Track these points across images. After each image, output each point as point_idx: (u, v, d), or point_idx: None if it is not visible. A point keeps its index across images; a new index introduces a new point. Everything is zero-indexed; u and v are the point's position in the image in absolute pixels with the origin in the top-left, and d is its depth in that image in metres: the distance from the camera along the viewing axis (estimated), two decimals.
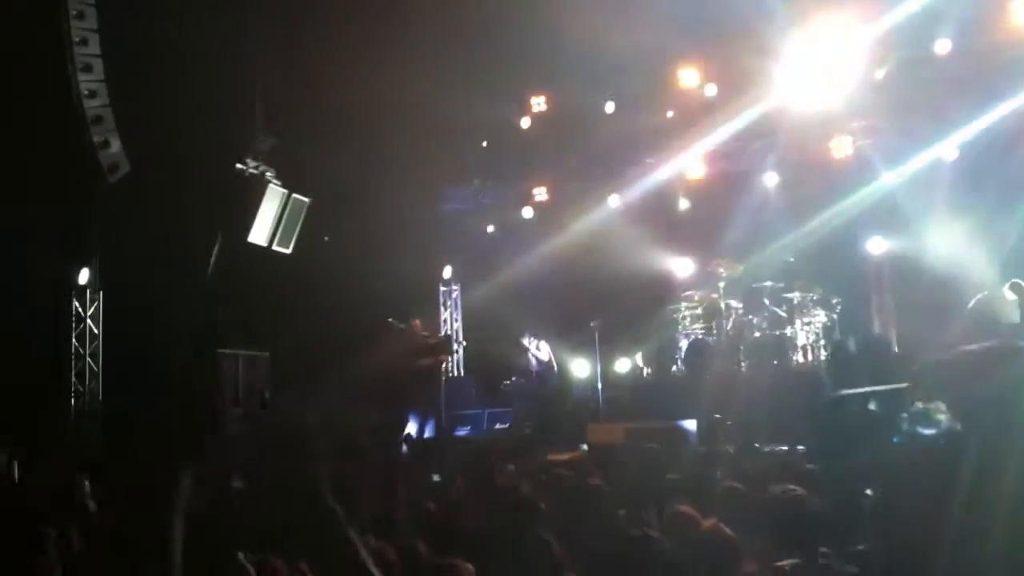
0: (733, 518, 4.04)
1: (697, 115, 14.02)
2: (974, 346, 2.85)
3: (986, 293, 10.96)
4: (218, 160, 12.90)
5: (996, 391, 2.71)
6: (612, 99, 14.37)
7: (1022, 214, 11.95)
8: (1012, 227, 11.86)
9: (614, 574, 4.01)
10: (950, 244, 11.91)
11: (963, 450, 2.67)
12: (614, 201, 14.93)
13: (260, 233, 13.13)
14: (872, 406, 7.97)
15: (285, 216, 13.34)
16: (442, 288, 15.77)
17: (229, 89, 12.55)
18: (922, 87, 12.74)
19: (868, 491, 4.09)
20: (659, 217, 14.86)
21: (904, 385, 7.64)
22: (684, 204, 14.99)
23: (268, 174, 13.26)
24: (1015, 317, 10.58)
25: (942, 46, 12.46)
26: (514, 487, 6.02)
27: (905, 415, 6.41)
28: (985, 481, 2.59)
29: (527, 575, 4.08)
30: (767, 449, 9.22)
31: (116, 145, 12.12)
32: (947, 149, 12.99)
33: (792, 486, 4.75)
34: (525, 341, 14.55)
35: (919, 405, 5.97)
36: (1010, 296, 10.68)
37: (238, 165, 13.04)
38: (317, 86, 12.92)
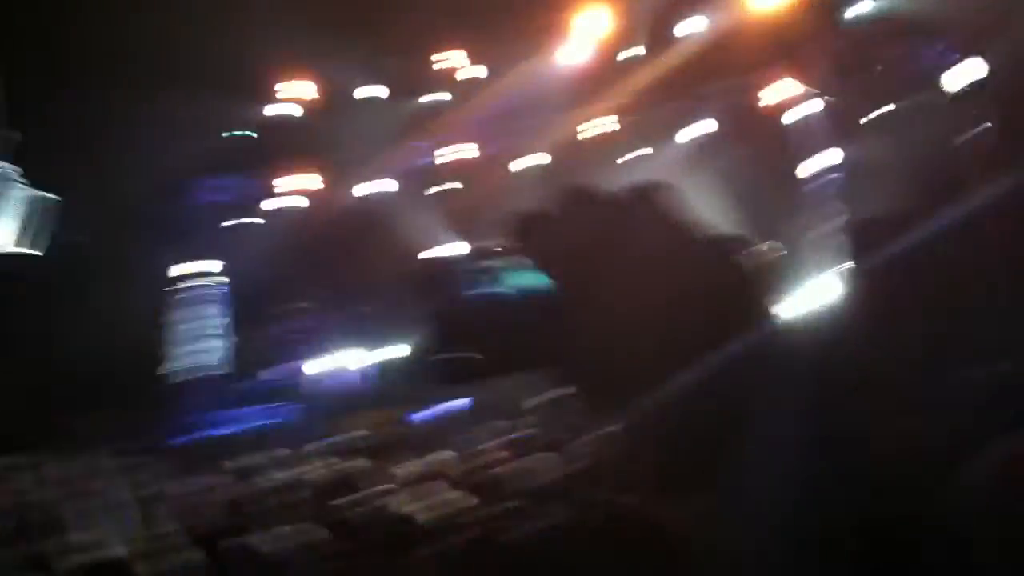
0: None
1: (468, 97, 14.17)
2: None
3: None
4: None
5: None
6: (384, 83, 14.28)
7: None
8: None
9: None
10: None
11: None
12: (388, 185, 14.84)
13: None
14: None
15: (33, 217, 12.50)
16: (203, 281, 15.01)
17: None
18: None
19: None
20: (432, 200, 14.92)
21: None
22: (455, 186, 15.11)
23: (8, 172, 12.35)
24: None
25: None
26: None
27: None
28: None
29: None
30: None
31: None
32: None
33: None
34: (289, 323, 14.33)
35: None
36: None
37: None
38: (58, 77, 12.13)
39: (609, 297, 2.84)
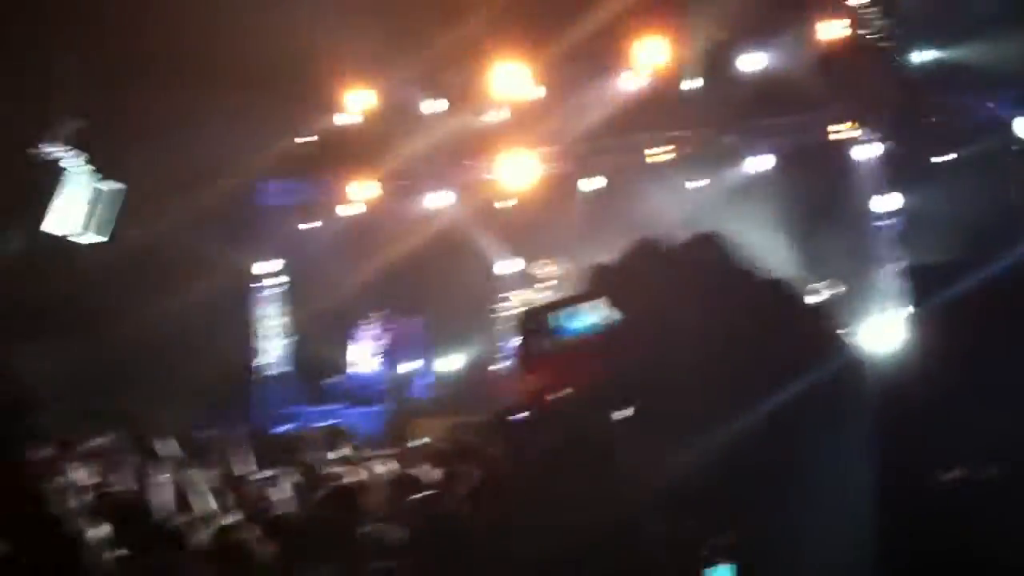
0: None
1: (526, 117, 14.29)
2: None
3: None
4: (11, 144, 12.07)
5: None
6: (444, 97, 14.43)
7: None
8: None
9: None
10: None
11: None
12: (443, 199, 15.01)
13: (59, 222, 12.42)
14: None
15: (99, 204, 12.67)
16: (264, 283, 15.26)
17: (26, 71, 11.78)
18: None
19: None
20: (486, 217, 15.06)
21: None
22: (510, 205, 15.22)
23: (73, 159, 12.52)
24: None
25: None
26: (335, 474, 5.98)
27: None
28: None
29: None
30: None
31: None
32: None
33: None
34: (354, 332, 14.40)
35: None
36: None
37: (31, 150, 12.24)
38: (130, 71, 12.33)
39: (677, 337, 3.02)
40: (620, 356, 3.34)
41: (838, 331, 3.57)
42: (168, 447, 5.94)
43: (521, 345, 9.54)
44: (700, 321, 3.01)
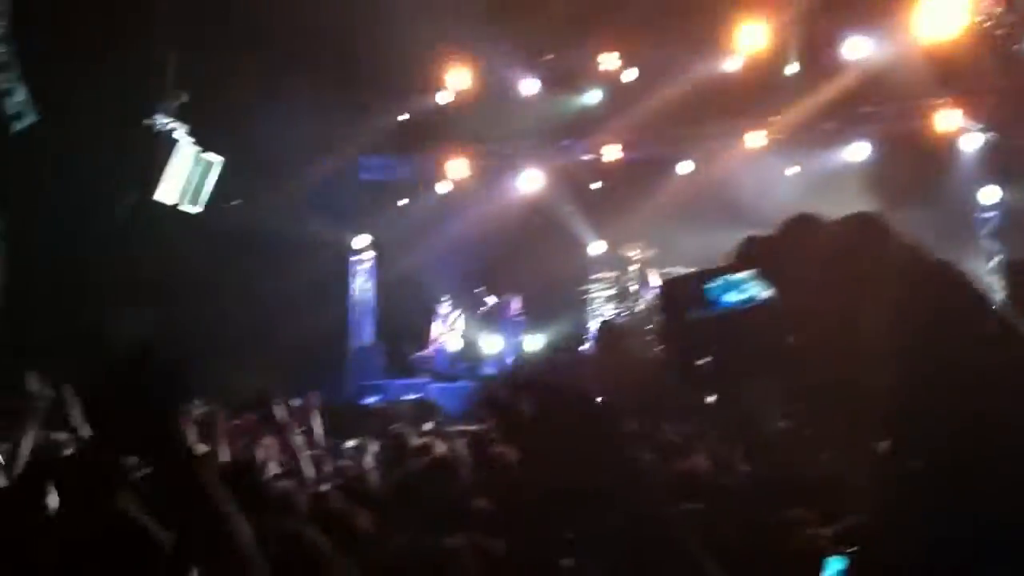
0: None
1: (618, 99, 14.25)
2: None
3: None
4: (126, 114, 12.47)
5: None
6: (537, 78, 14.48)
7: None
8: None
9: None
10: None
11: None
12: (532, 178, 15.09)
13: (169, 192, 12.81)
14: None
15: (197, 175, 13.04)
16: (355, 257, 15.60)
17: (141, 43, 12.15)
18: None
19: None
20: (575, 197, 15.09)
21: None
22: (600, 185, 15.23)
23: (180, 131, 12.89)
24: None
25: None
26: (425, 446, 6.07)
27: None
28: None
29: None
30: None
31: (21, 93, 11.60)
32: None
33: None
34: (440, 308, 14.62)
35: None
36: None
37: (147, 120, 12.64)
38: (234, 43, 12.60)
39: (846, 321, 2.92)
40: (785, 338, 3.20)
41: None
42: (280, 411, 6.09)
43: (666, 317, 9.22)
44: (885, 313, 2.91)
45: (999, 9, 12.04)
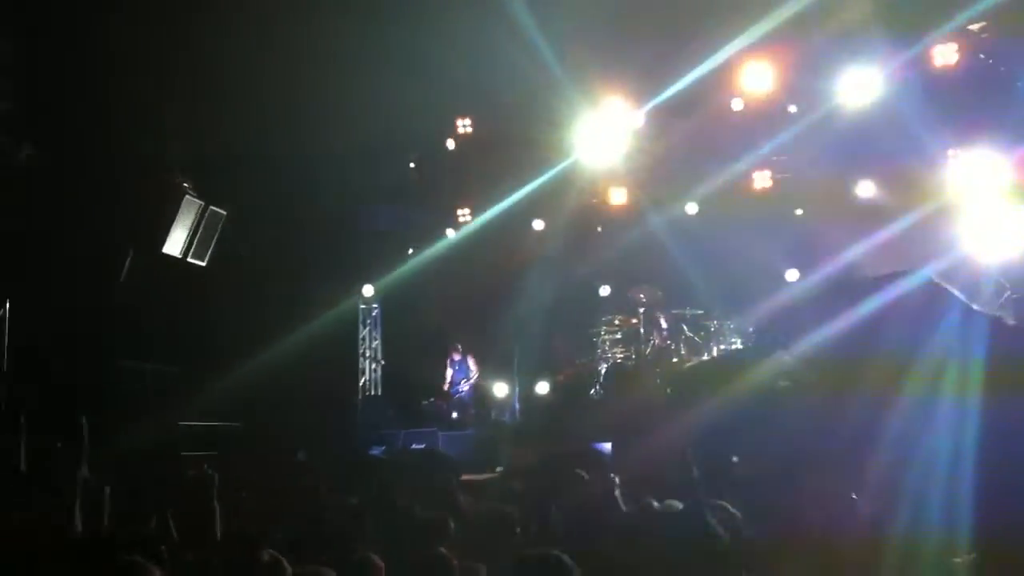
0: None
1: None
2: None
3: None
4: (135, 169, 12.55)
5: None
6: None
7: None
8: None
9: None
10: None
11: None
12: (536, 224, 15.06)
13: (175, 244, 12.84)
14: None
15: (201, 228, 13.07)
16: (362, 306, 15.55)
17: (149, 98, 12.26)
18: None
19: None
20: (580, 241, 15.02)
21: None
22: (604, 228, 15.17)
23: (185, 185, 12.95)
24: None
25: None
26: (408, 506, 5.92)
27: None
28: None
29: None
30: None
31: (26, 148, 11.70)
32: None
33: None
34: (455, 354, 14.54)
35: None
36: None
37: (156, 175, 12.73)
38: (237, 98, 12.70)
39: None
40: None
41: None
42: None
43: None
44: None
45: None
